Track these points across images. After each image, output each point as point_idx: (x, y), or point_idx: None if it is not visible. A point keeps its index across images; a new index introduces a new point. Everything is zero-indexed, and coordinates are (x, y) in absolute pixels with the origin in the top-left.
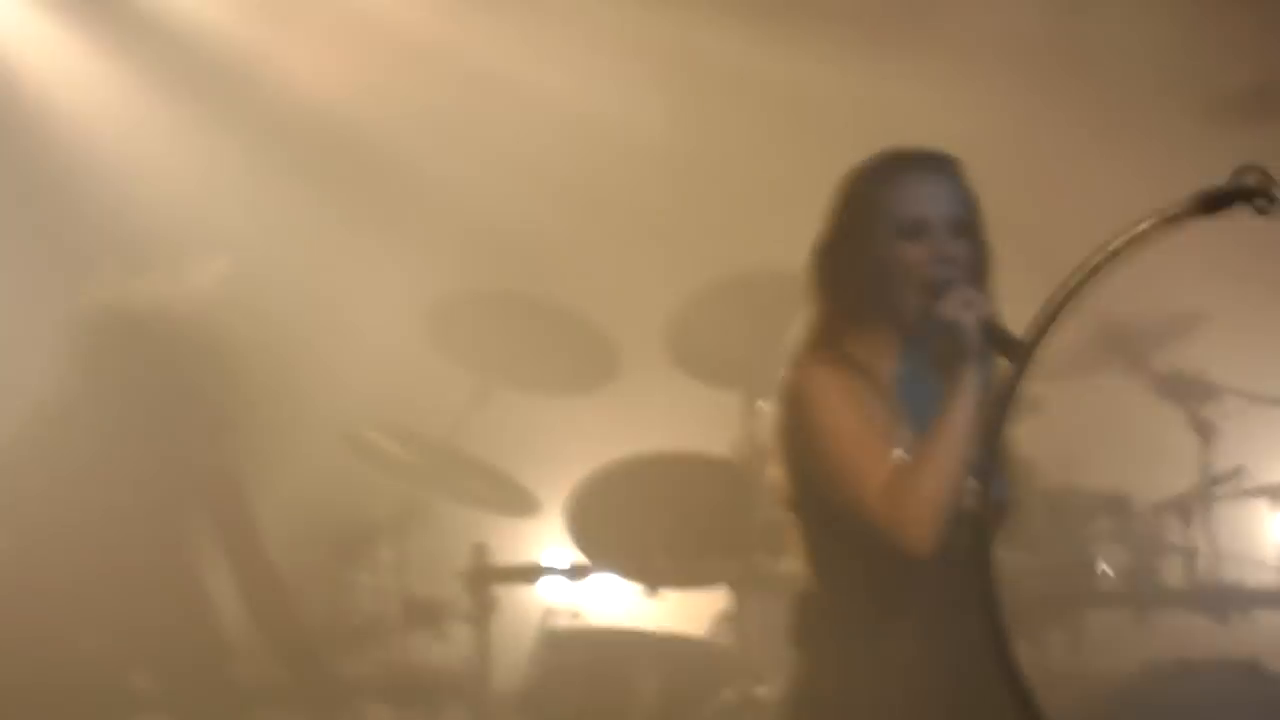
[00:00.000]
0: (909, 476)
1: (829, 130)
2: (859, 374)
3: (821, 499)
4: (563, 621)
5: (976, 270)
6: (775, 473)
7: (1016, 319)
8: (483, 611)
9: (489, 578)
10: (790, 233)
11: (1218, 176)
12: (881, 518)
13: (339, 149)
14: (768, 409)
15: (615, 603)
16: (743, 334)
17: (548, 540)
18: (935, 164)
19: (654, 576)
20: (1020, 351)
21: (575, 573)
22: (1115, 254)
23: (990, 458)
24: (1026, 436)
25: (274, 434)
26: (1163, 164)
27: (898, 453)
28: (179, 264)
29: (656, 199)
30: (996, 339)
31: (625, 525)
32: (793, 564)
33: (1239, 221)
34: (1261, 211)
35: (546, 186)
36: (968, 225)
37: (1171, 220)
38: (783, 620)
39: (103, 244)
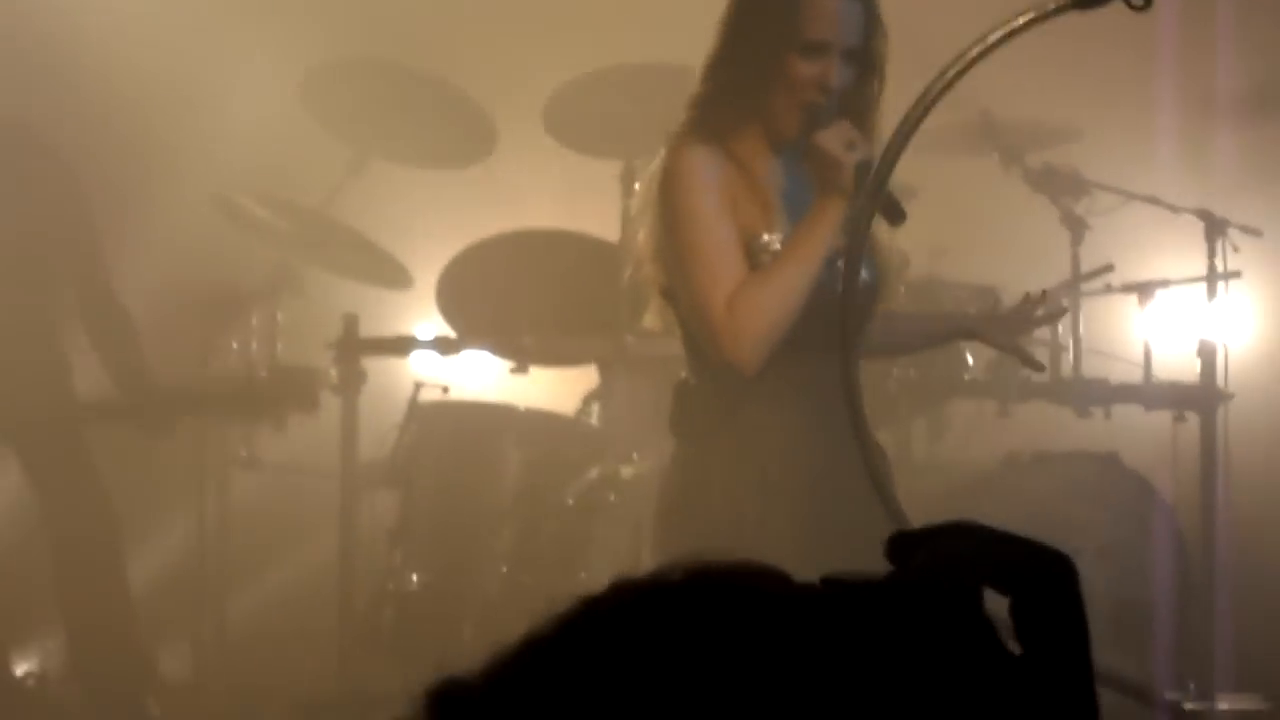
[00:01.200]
0: (751, 296)
1: None
2: (733, 160)
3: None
4: (431, 395)
5: (864, 106)
6: (643, 250)
7: (897, 111)
8: (351, 382)
9: (359, 349)
10: (679, 25)
11: None
12: (717, 331)
13: None
14: (637, 176)
15: (484, 378)
16: (622, 115)
17: (419, 314)
18: None
19: (523, 353)
20: (896, 212)
21: (445, 347)
22: (992, 47)
23: (857, 244)
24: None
25: (146, 199)
26: None
27: (771, 245)
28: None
29: None
30: (876, 195)
31: (497, 301)
32: (665, 350)
33: (1115, 26)
34: (1136, 7)
35: None
36: (867, 57)
37: (1048, 14)
38: (649, 400)
39: None
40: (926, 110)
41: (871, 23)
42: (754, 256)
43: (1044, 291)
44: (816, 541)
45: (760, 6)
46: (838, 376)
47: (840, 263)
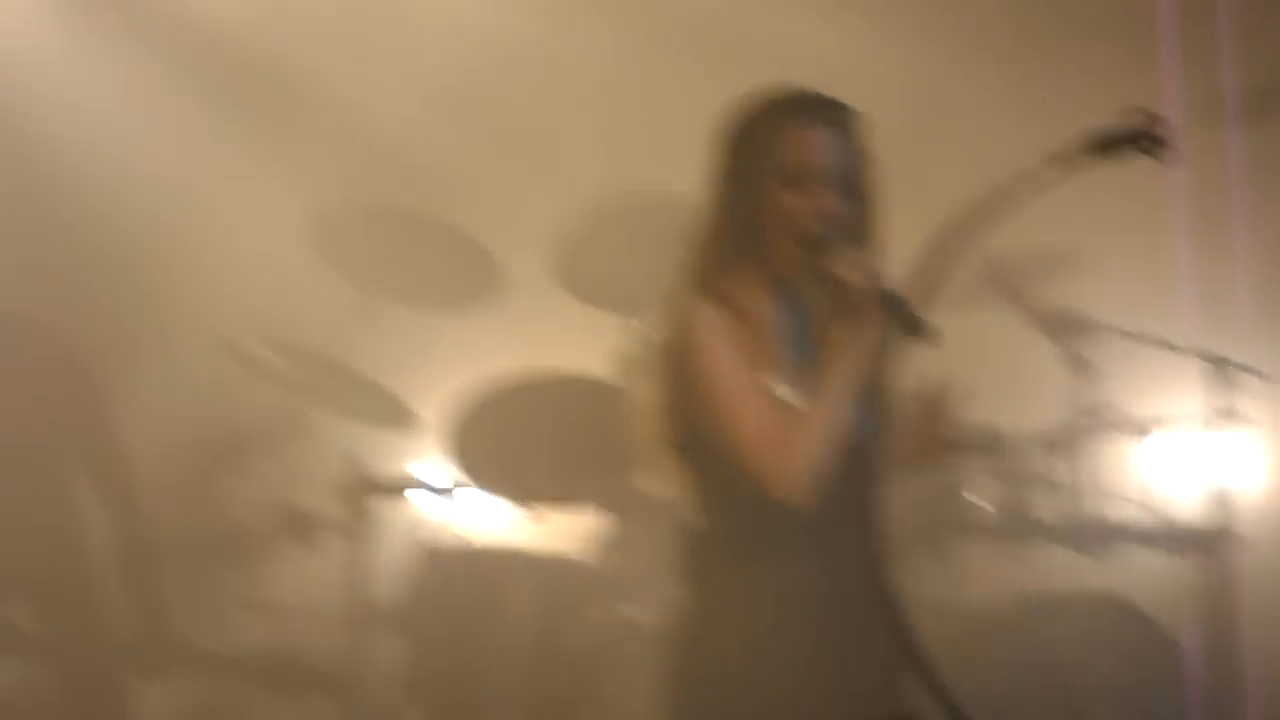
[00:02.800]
0: (790, 430)
1: (723, 58)
2: (737, 314)
3: (703, 440)
4: (437, 537)
5: (857, 230)
6: (652, 408)
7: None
8: (357, 524)
9: (364, 490)
10: (676, 158)
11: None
12: (760, 470)
13: (227, 56)
14: (641, 328)
15: (490, 520)
16: (625, 255)
17: (424, 455)
18: (830, 112)
19: (529, 495)
20: (921, 328)
21: (451, 489)
22: (1008, 193)
23: (874, 399)
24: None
25: (154, 341)
26: (1056, 108)
27: (781, 390)
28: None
29: (544, 117)
30: (899, 312)
31: (502, 442)
32: (674, 498)
33: (1124, 164)
34: (1149, 154)
35: (435, 101)
36: (853, 183)
37: (1064, 160)
38: (655, 542)
39: None
40: (949, 259)
41: (857, 153)
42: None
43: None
44: (833, 687)
45: (742, 149)
46: (847, 517)
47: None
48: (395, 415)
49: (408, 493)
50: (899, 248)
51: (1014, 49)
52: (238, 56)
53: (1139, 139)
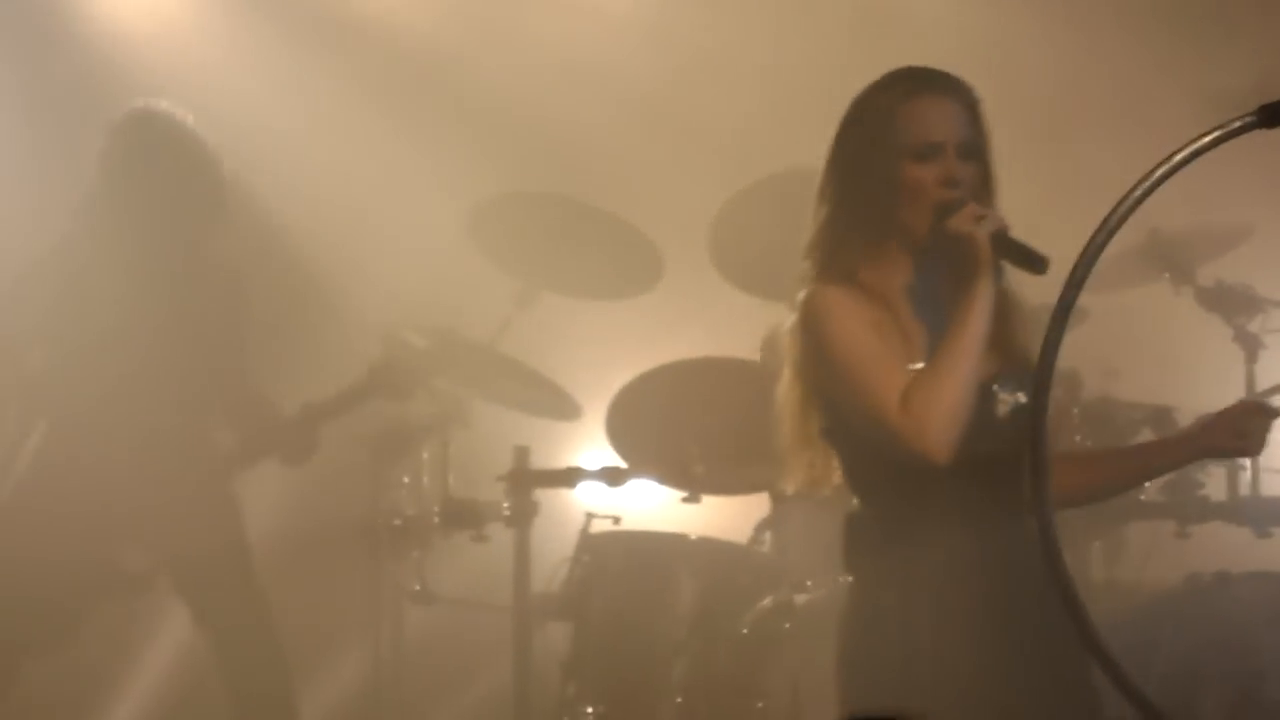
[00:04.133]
0: (923, 388)
1: (876, 36)
2: (868, 294)
3: (848, 421)
4: (602, 526)
5: (983, 192)
6: (793, 401)
7: (1073, 237)
8: (522, 515)
9: (529, 481)
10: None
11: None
12: (900, 430)
13: (385, 48)
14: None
15: (655, 508)
16: (786, 239)
17: (588, 445)
18: (949, 86)
19: (693, 482)
20: (1037, 261)
21: (615, 477)
22: (1177, 166)
23: (1046, 369)
24: (1070, 347)
25: (319, 334)
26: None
27: (914, 366)
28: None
29: (702, 101)
30: (1011, 250)
31: (666, 430)
32: (820, 487)
33: None
34: None
35: (591, 88)
36: (977, 149)
37: (1233, 132)
38: (815, 526)
39: None
40: (1112, 233)
41: (978, 122)
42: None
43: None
44: (996, 669)
45: (862, 128)
46: (1005, 496)
47: (995, 386)
48: (558, 405)
49: (572, 482)
50: (1063, 226)
51: (1180, 19)
52: (395, 48)
53: None
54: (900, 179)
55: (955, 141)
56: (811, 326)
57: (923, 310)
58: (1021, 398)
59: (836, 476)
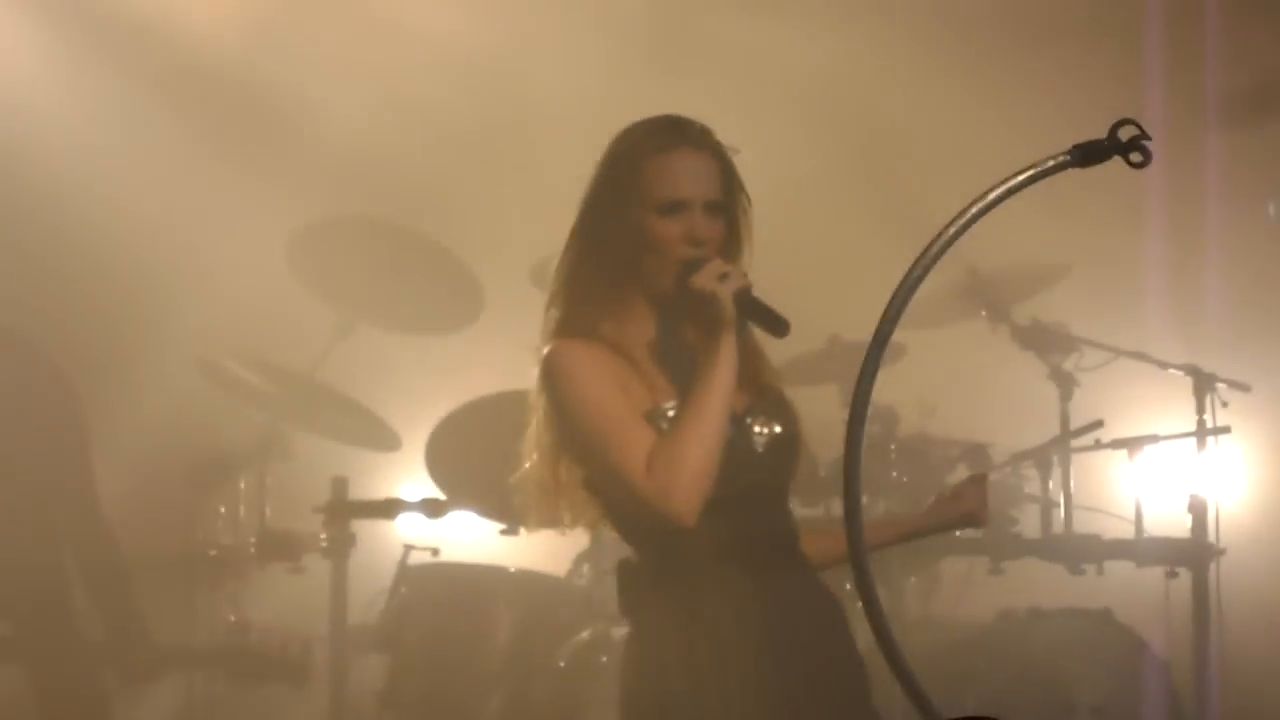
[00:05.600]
0: (667, 450)
1: (706, 71)
2: (610, 348)
3: (597, 477)
4: (421, 558)
5: (731, 248)
6: (543, 444)
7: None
8: (340, 546)
9: (347, 512)
10: None
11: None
12: (645, 494)
13: (206, 76)
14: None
15: (474, 540)
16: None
17: (407, 476)
18: (701, 140)
19: (512, 514)
20: (778, 322)
21: (434, 509)
22: (991, 205)
23: (861, 403)
24: (887, 382)
25: (133, 361)
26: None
27: (665, 413)
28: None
29: (525, 134)
30: (754, 310)
31: (485, 462)
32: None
33: (1102, 175)
34: (1136, 165)
35: (415, 118)
36: (725, 206)
37: (1047, 171)
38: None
39: None
40: (927, 269)
41: (729, 178)
42: (657, 427)
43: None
44: (781, 707)
45: (610, 179)
46: (771, 526)
47: (748, 419)
48: (377, 436)
49: (391, 513)
50: (887, 261)
51: (997, 57)
52: (217, 76)
53: (1127, 150)
54: (646, 233)
55: (703, 199)
56: (553, 385)
57: (667, 363)
58: (777, 428)
59: (585, 518)
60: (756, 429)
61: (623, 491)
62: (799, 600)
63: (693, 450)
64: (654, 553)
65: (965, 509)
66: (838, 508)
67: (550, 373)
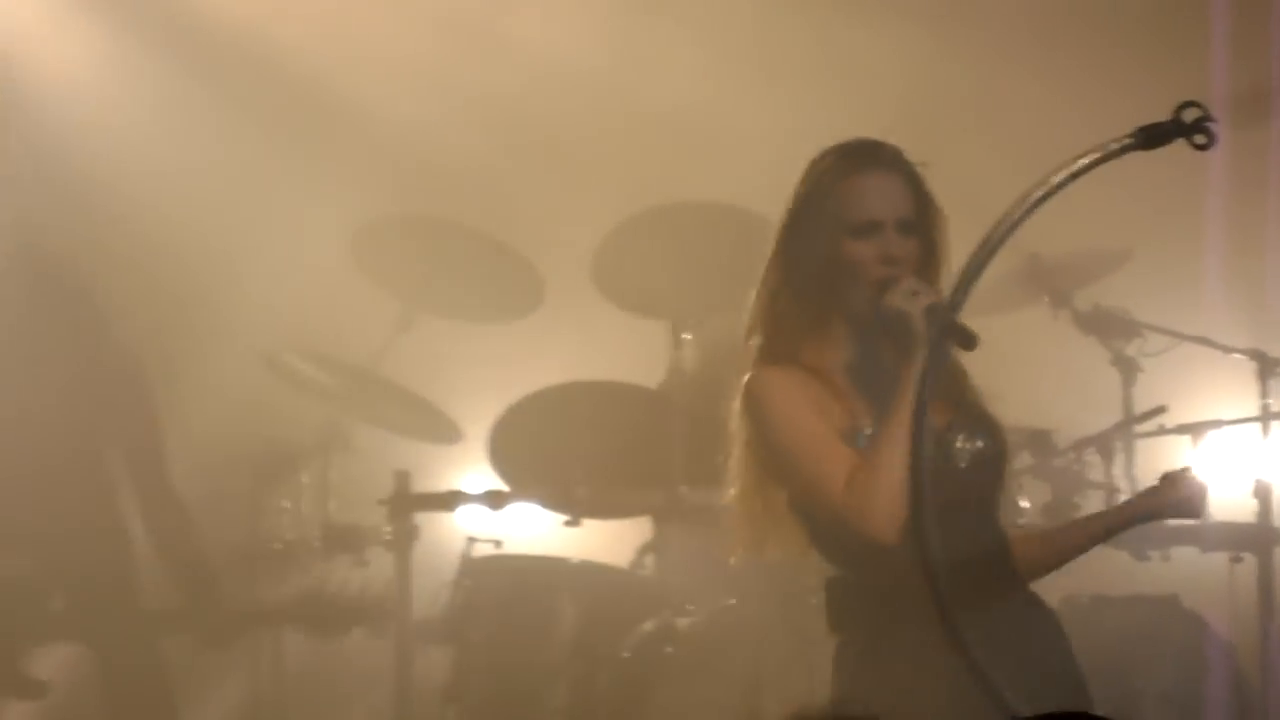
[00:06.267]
0: (866, 469)
1: (764, 66)
2: (809, 373)
3: (801, 505)
4: (484, 550)
5: (925, 266)
6: (748, 471)
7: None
8: (403, 539)
9: (410, 505)
10: (717, 166)
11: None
12: (846, 514)
13: (271, 72)
14: (690, 339)
15: (537, 532)
16: (668, 264)
17: (470, 468)
18: (891, 161)
19: (575, 506)
20: (968, 337)
21: (497, 501)
22: (1055, 187)
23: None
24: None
25: (195, 356)
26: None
27: (865, 438)
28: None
29: (586, 128)
30: (945, 326)
31: (547, 454)
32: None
33: (1166, 159)
34: (1200, 146)
35: (476, 113)
36: (917, 224)
37: (1111, 154)
38: (704, 551)
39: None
40: (990, 254)
41: (920, 195)
42: (856, 448)
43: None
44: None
45: (804, 206)
46: (981, 546)
47: (949, 434)
48: (439, 429)
49: (453, 506)
50: (953, 251)
51: (1060, 39)
52: (281, 72)
53: (1190, 132)
54: (841, 255)
55: (895, 218)
56: (755, 412)
57: (866, 385)
58: (979, 444)
59: (791, 544)
60: (958, 445)
61: (824, 512)
62: (1012, 615)
63: (891, 469)
64: (859, 572)
65: (1180, 496)
66: None
67: (751, 400)
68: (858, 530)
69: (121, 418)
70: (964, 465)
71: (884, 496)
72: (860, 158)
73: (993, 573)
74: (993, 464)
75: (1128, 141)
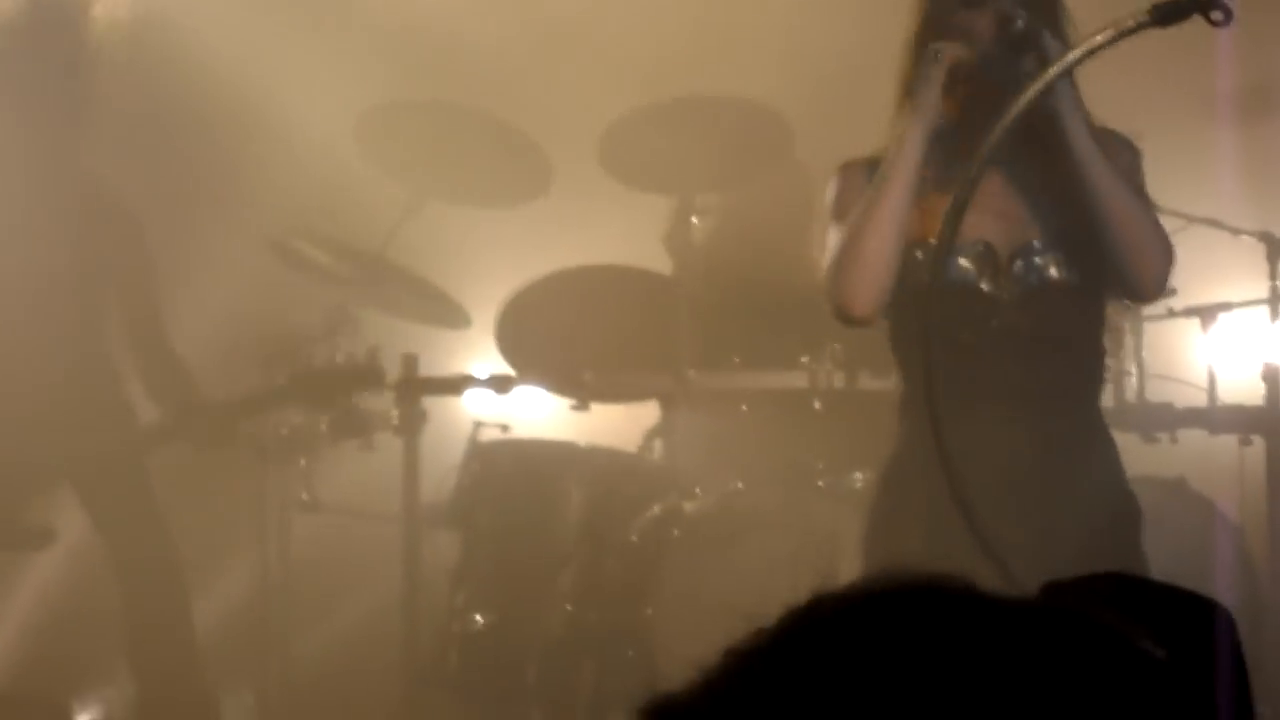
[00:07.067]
0: (843, 242)
1: None
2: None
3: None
4: (491, 434)
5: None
6: None
7: None
8: (411, 423)
9: (417, 389)
10: (728, 58)
11: None
12: (824, 287)
13: None
14: (697, 222)
15: (545, 416)
16: (678, 150)
17: (478, 353)
18: None
19: (583, 390)
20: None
21: (504, 385)
22: (1070, 66)
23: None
24: None
25: (200, 239)
26: None
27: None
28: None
29: (593, 11)
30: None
31: (555, 338)
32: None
33: (1179, 38)
34: (1217, 24)
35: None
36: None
37: (1126, 31)
38: (712, 434)
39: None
40: (1008, 131)
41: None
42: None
43: None
44: (1043, 538)
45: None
46: (1038, 381)
47: (1020, 257)
48: (447, 313)
49: (461, 390)
50: None
51: None
52: None
53: (1207, 8)
54: (952, 25)
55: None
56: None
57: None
58: (1052, 272)
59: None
60: (1037, 262)
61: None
62: (1058, 436)
63: (862, 242)
64: (908, 380)
65: None
66: None
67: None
68: (832, 304)
69: (120, 274)
70: (1013, 296)
71: (855, 266)
72: None
73: (1043, 402)
74: (1064, 301)
75: (1144, 19)
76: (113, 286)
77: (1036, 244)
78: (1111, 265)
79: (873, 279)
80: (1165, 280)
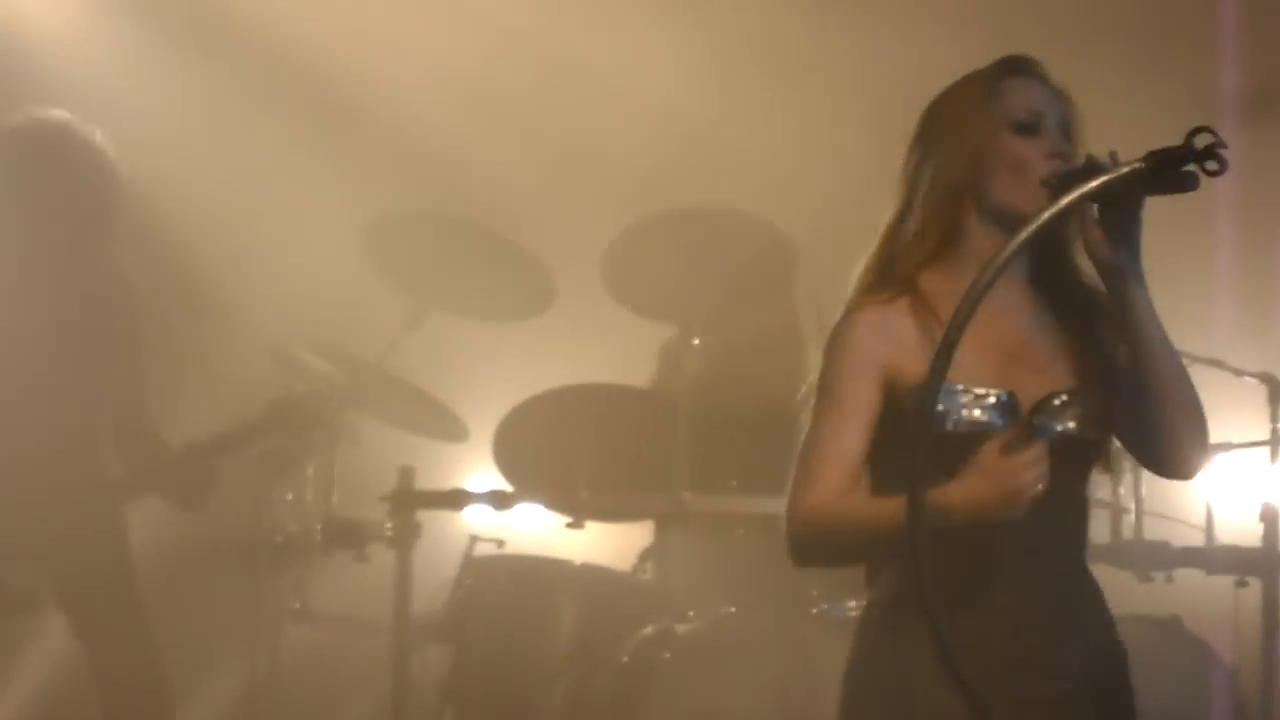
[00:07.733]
0: (841, 510)
1: (779, 72)
2: (920, 305)
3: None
4: (486, 549)
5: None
6: None
7: None
8: (405, 535)
9: (413, 502)
10: (731, 169)
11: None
12: (791, 513)
13: (283, 65)
14: (698, 345)
15: (539, 532)
16: (680, 267)
17: (474, 467)
18: (1045, 73)
19: (579, 508)
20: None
21: (501, 501)
22: (1065, 210)
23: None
24: None
25: (201, 343)
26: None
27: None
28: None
29: (599, 128)
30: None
31: (553, 455)
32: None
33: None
34: (1212, 174)
35: (490, 111)
36: (1071, 130)
37: (1121, 178)
38: (705, 556)
39: None
40: (998, 274)
41: (1064, 98)
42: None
43: None
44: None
45: (956, 103)
46: (1035, 533)
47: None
48: (445, 426)
49: (457, 504)
50: None
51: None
52: (293, 65)
53: (1199, 157)
54: (1003, 152)
55: (1057, 118)
56: (824, 354)
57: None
58: (1072, 425)
59: None
60: (1056, 423)
61: (791, 485)
62: (1048, 588)
63: (840, 539)
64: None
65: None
66: None
67: (828, 341)
68: (786, 530)
69: (109, 358)
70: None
71: (818, 550)
72: (1019, 64)
73: (1039, 557)
74: (1077, 455)
75: (1138, 166)
76: (106, 383)
77: (1062, 399)
78: (1151, 440)
79: (830, 562)
80: (1201, 464)
